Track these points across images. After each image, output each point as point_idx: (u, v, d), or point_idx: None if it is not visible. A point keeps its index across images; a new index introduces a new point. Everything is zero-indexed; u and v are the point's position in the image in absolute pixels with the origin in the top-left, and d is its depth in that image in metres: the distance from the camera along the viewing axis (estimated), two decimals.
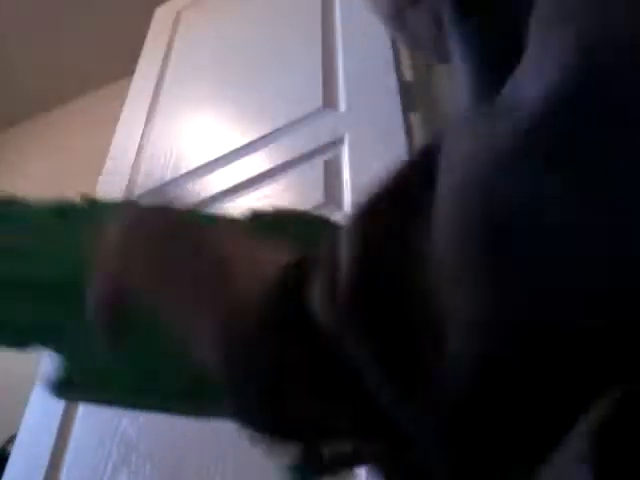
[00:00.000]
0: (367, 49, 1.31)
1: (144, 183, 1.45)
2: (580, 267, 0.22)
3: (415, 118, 1.27)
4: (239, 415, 0.29)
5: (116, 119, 1.70)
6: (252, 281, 0.29)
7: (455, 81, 0.39)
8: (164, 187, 1.39)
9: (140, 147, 1.55)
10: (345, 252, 0.26)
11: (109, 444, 0.99)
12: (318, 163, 1.18)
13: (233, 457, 0.87)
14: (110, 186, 1.51)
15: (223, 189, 1.28)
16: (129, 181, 1.48)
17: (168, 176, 1.41)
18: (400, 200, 0.27)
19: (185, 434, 0.93)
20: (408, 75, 1.34)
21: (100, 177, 1.56)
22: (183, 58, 1.73)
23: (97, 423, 1.04)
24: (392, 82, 1.20)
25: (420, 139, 1.16)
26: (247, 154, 1.31)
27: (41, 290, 0.35)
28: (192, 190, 1.33)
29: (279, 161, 1.24)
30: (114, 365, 0.34)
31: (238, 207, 1.32)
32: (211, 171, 1.34)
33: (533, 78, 0.25)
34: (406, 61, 1.36)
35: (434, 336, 0.23)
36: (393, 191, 0.27)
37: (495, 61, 0.35)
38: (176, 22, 1.87)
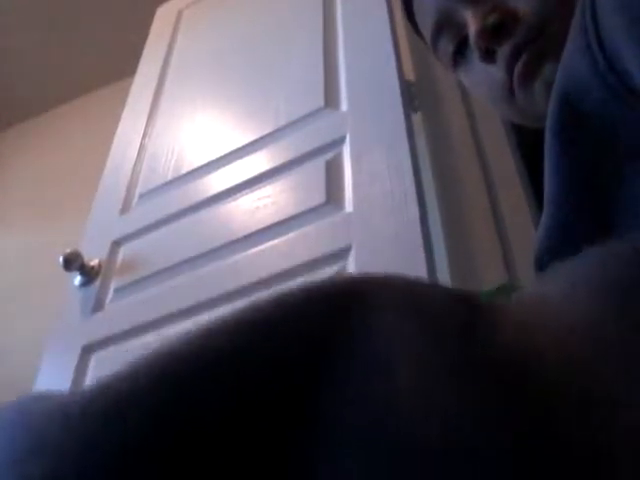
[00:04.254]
0: (368, 49, 1.30)
1: (145, 182, 1.45)
2: None
3: (416, 118, 1.27)
4: None
5: (116, 119, 1.70)
6: None
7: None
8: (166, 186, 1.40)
9: (141, 146, 1.55)
10: None
11: None
12: (319, 163, 1.17)
13: None
14: (111, 186, 1.51)
15: (224, 188, 1.28)
16: (130, 181, 1.48)
17: (169, 176, 1.41)
18: None
19: None
20: (409, 75, 1.34)
21: (101, 177, 1.56)
22: (184, 57, 1.73)
23: None
24: (393, 82, 1.19)
25: (421, 139, 1.16)
26: (248, 154, 1.31)
27: None
28: (194, 189, 1.34)
29: (280, 161, 1.24)
30: None
31: (239, 207, 1.31)
32: (212, 170, 1.34)
33: None
34: (407, 61, 1.36)
35: None
36: None
37: (583, 177, 0.37)
38: (177, 21, 1.87)
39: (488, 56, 0.53)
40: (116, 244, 1.35)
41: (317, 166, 1.17)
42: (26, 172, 2.38)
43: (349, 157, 1.14)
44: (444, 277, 1.03)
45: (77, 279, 1.31)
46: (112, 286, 1.27)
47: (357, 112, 1.21)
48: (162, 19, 1.93)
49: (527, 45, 0.51)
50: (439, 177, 1.22)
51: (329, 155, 1.18)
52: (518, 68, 0.52)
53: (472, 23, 0.54)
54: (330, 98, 1.28)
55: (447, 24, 0.58)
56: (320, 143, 1.20)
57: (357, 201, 1.06)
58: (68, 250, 1.28)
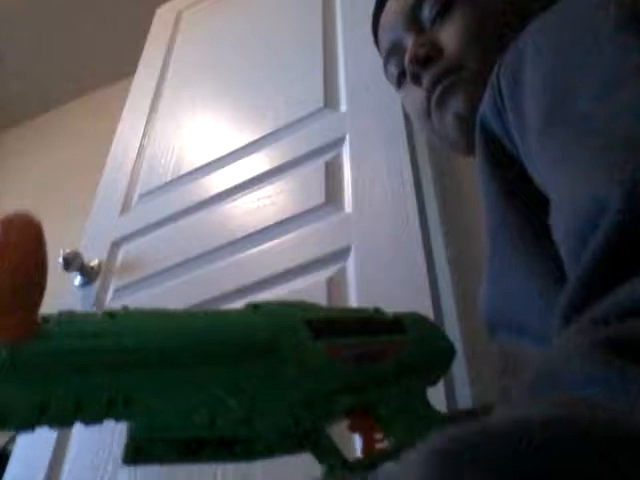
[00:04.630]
0: (368, 49, 1.30)
1: (145, 183, 1.45)
2: None
3: None
4: None
5: (116, 119, 1.70)
6: None
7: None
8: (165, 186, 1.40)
9: (141, 147, 1.55)
10: None
11: (110, 443, 0.99)
12: (319, 163, 1.18)
13: None
14: (111, 186, 1.51)
15: (224, 189, 1.28)
16: (130, 181, 1.48)
17: (169, 176, 1.41)
18: None
19: None
20: None
21: (101, 177, 1.56)
22: (184, 58, 1.73)
23: None
24: None
25: (421, 139, 1.16)
26: (248, 154, 1.31)
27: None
28: (193, 190, 1.34)
29: (280, 161, 1.24)
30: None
31: (239, 207, 1.31)
32: (212, 171, 1.34)
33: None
34: None
35: None
36: None
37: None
38: (177, 22, 1.87)
39: (416, 79, 0.66)
40: (116, 244, 1.35)
41: (317, 167, 1.17)
42: (26, 172, 2.38)
43: (349, 158, 1.14)
44: (444, 276, 1.03)
45: (77, 279, 1.31)
46: (112, 286, 1.27)
47: (357, 112, 1.22)
48: (162, 19, 1.93)
49: (443, 77, 0.63)
50: (438, 177, 1.23)
51: (329, 156, 1.18)
52: (434, 96, 0.64)
53: (409, 50, 0.67)
54: (330, 99, 1.28)
55: (396, 51, 0.71)
56: (320, 144, 1.21)
57: (357, 202, 1.06)
58: (68, 250, 1.28)
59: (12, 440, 1.29)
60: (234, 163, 1.32)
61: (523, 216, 0.45)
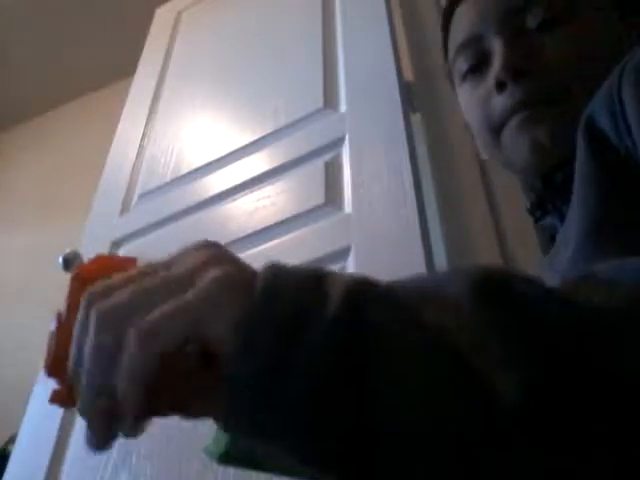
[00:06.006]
0: (368, 50, 1.31)
1: (145, 183, 1.45)
2: None
3: (415, 119, 1.27)
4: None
5: (116, 119, 1.70)
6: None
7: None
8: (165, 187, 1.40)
9: (141, 147, 1.55)
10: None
11: None
12: (319, 163, 1.18)
13: None
14: (110, 186, 1.51)
15: (224, 189, 1.28)
16: (129, 181, 1.48)
17: (169, 176, 1.41)
18: None
19: (185, 434, 0.93)
20: (408, 75, 1.34)
21: (101, 177, 1.56)
22: (184, 58, 1.73)
23: None
24: (393, 82, 1.20)
25: (420, 140, 1.16)
26: (248, 154, 1.31)
27: None
28: (193, 190, 1.34)
29: (280, 161, 1.24)
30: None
31: (238, 208, 1.31)
32: (212, 171, 1.34)
33: None
34: (406, 61, 1.36)
35: None
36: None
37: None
38: (177, 22, 1.87)
39: (501, 87, 0.59)
40: (115, 244, 1.35)
41: (316, 167, 1.17)
42: (26, 173, 2.38)
43: (348, 158, 1.14)
44: None
45: None
46: None
47: (356, 113, 1.22)
48: (161, 20, 1.93)
49: (532, 98, 0.56)
50: (438, 178, 1.23)
51: (328, 156, 1.18)
52: (518, 116, 0.57)
53: (500, 55, 0.59)
54: (329, 99, 1.28)
55: (472, 45, 0.63)
56: (319, 144, 1.21)
57: (356, 202, 1.06)
58: (68, 250, 1.28)
59: (12, 440, 1.29)
60: (234, 163, 1.32)
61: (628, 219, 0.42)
